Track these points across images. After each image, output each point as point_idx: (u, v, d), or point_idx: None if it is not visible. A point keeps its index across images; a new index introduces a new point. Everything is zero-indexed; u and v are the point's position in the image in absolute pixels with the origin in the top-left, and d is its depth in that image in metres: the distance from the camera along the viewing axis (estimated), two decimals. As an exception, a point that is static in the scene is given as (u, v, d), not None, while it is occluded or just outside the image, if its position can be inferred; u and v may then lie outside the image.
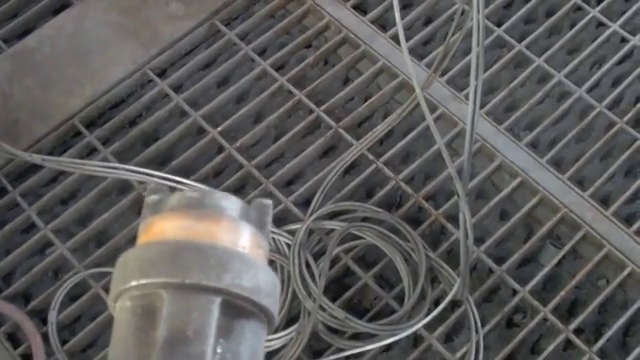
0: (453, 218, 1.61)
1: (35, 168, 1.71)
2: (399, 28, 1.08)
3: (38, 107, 1.79)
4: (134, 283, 0.61)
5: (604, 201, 1.68)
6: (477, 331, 1.52)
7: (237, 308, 0.62)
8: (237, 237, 0.64)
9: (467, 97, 1.74)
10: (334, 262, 1.60)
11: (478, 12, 1.13)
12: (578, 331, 1.56)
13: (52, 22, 1.92)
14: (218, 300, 0.60)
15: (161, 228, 0.64)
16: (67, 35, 1.89)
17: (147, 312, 0.60)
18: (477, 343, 1.51)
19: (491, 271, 1.61)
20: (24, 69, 1.84)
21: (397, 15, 1.10)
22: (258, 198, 0.70)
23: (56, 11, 1.96)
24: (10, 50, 1.88)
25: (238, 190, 1.71)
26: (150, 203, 0.67)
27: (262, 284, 0.62)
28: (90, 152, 1.76)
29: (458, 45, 1.81)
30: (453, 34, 1.56)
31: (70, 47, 1.87)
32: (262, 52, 1.89)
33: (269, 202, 0.69)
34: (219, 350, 0.60)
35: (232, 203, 0.66)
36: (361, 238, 1.61)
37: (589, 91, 1.80)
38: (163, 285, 0.60)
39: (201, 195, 0.65)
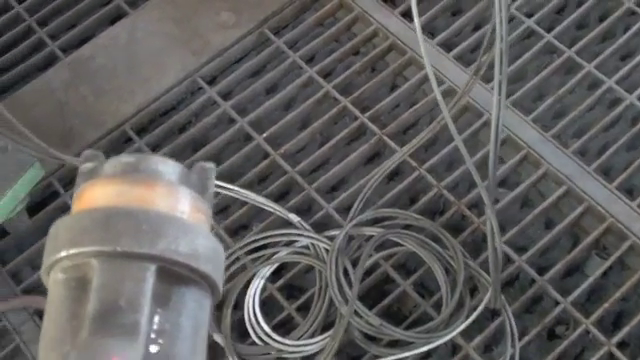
0: (496, 226, 1.59)
1: (85, 173, 1.76)
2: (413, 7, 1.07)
3: (91, 114, 1.84)
4: (64, 253, 0.57)
5: (653, 211, 1.64)
6: (513, 342, 1.50)
7: (175, 275, 0.58)
8: (174, 202, 0.60)
9: (513, 104, 1.74)
10: (373, 269, 1.60)
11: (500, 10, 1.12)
12: (622, 345, 1.52)
13: (107, 32, 1.97)
14: (153, 267, 0.57)
15: (93, 195, 0.60)
16: (121, 44, 1.94)
17: (80, 284, 0.57)
18: (512, 356, 1.48)
19: (533, 281, 1.58)
20: (79, 77, 1.90)
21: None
22: (200, 162, 0.66)
23: (113, 21, 2.02)
24: (67, 59, 1.94)
25: (282, 196, 1.73)
26: (84, 171, 0.63)
27: (201, 249, 0.59)
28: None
29: (507, 50, 1.80)
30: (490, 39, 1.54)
31: (123, 56, 1.92)
32: (310, 59, 1.91)
33: (211, 165, 0.65)
34: (157, 320, 0.57)
35: (169, 167, 0.62)
36: (401, 245, 1.61)
37: (641, 98, 1.76)
38: (94, 254, 0.57)
39: (136, 160, 0.62)
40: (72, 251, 0.57)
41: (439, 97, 1.15)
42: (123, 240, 0.56)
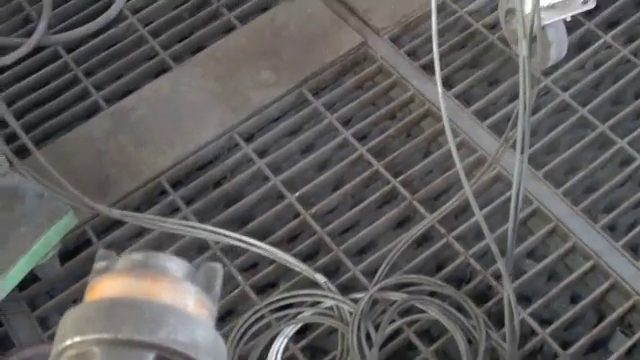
0: (521, 297, 1.60)
1: (119, 223, 1.80)
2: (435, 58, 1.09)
3: (129, 164, 1.89)
4: (69, 342, 0.60)
5: (680, 291, 1.63)
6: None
7: None
8: (178, 295, 0.63)
9: (545, 176, 1.75)
10: (396, 334, 1.61)
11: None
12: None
13: (151, 84, 2.03)
14: (151, 356, 0.59)
15: (102, 288, 0.64)
16: (163, 97, 1.99)
17: None
18: None
19: (556, 355, 1.58)
20: (120, 127, 1.95)
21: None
22: (207, 262, 0.69)
23: (157, 74, 2.07)
24: (110, 109, 1.99)
25: (310, 256, 1.75)
26: (97, 269, 0.66)
27: (201, 340, 0.61)
28: (174, 210, 1.83)
29: (541, 121, 1.82)
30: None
31: (165, 109, 1.97)
32: (347, 122, 1.94)
33: (218, 265, 0.68)
34: None
35: (176, 264, 0.65)
36: (425, 312, 1.62)
37: (672, 176, 1.76)
38: (97, 342, 0.59)
39: (145, 257, 0.65)
40: (76, 339, 0.60)
41: (460, 169, 1.17)
42: (124, 328, 0.59)
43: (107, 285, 0.64)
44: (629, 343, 1.58)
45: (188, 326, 0.61)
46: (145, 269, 0.64)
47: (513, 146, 1.63)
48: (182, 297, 0.63)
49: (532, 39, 1.32)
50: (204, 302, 0.65)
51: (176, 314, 0.61)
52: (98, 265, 0.67)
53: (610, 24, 2.00)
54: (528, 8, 1.40)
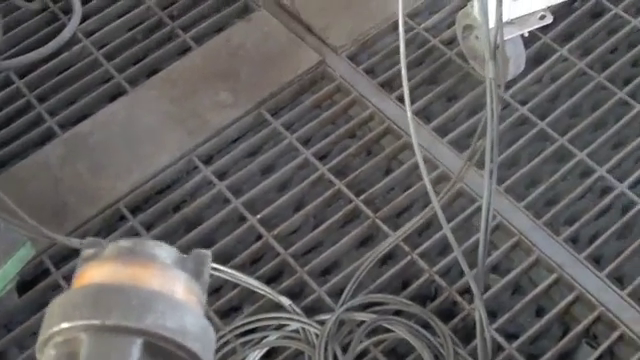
0: (487, 313, 1.59)
1: (79, 252, 1.76)
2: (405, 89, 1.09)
3: (86, 191, 1.85)
4: (56, 329, 0.59)
5: (644, 301, 1.64)
6: None
7: (162, 351, 0.59)
8: (166, 281, 0.62)
9: (506, 190, 1.75)
10: (363, 355, 1.60)
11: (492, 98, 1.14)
12: None
13: (106, 109, 2.00)
14: (139, 341, 0.58)
15: (90, 274, 0.63)
16: (119, 121, 1.96)
17: (70, 359, 0.59)
18: None
19: (524, 369, 1.58)
20: (76, 154, 1.92)
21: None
22: (197, 249, 0.68)
23: (112, 98, 2.04)
24: (65, 135, 1.96)
25: (274, 278, 1.73)
26: (85, 256, 0.66)
27: (189, 326, 0.60)
28: (134, 236, 1.80)
29: (501, 135, 1.82)
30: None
31: (121, 133, 1.94)
32: (306, 141, 1.93)
33: (207, 252, 0.68)
34: None
35: (165, 251, 0.65)
36: (391, 331, 1.61)
37: (632, 187, 1.78)
38: (84, 328, 0.58)
39: (133, 244, 0.65)
40: (63, 326, 0.59)
41: (428, 186, 1.17)
42: (112, 314, 0.58)
43: (95, 271, 0.63)
44: (595, 355, 1.58)
45: (176, 312, 0.60)
46: (133, 255, 0.63)
47: (477, 163, 1.64)
48: (170, 283, 0.62)
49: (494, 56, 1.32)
50: (193, 289, 0.64)
51: (164, 300, 0.60)
52: (86, 252, 0.66)
53: (566, 37, 2.02)
54: (490, 25, 1.41)
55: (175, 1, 2.22)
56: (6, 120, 2.02)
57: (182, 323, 0.60)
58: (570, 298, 1.64)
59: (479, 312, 1.29)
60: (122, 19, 2.19)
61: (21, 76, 2.10)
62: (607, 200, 1.76)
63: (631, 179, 1.78)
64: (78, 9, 2.19)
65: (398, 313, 1.64)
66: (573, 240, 1.73)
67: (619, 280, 1.67)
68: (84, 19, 2.19)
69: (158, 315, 0.59)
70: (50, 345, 0.60)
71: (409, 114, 1.19)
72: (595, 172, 1.80)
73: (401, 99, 1.95)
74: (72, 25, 2.16)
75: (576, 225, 1.73)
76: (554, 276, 1.67)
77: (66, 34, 2.15)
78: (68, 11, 2.20)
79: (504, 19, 1.71)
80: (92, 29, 2.18)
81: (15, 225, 1.58)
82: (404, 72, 1.16)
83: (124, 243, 0.65)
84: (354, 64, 2.02)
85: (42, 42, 2.15)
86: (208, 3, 2.20)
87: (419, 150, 1.18)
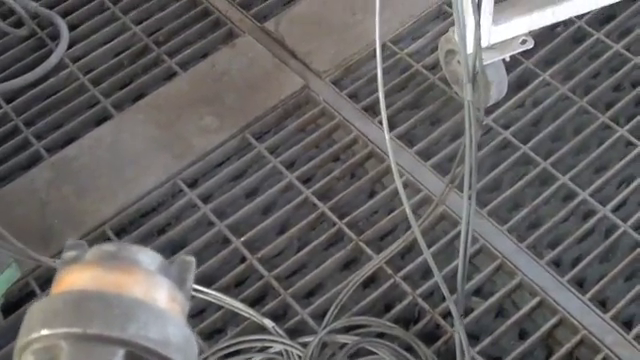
0: (469, 336, 1.60)
1: (62, 273, 1.76)
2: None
3: (72, 214, 1.86)
4: (35, 335, 0.57)
5: (627, 324, 1.64)
6: None
7: None
8: (149, 289, 0.60)
9: (489, 213, 1.76)
10: (346, 377, 1.60)
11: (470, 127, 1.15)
12: None
13: (93, 133, 2.01)
14: (121, 352, 0.56)
15: (70, 279, 0.61)
16: (105, 145, 1.97)
17: None
18: None
19: (507, 392, 1.58)
20: (62, 177, 1.92)
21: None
22: (181, 255, 0.66)
23: (98, 123, 2.05)
24: (51, 159, 1.97)
25: (258, 300, 1.73)
26: (66, 259, 0.64)
27: (172, 337, 0.58)
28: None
29: (483, 159, 1.84)
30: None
31: (107, 157, 1.95)
32: (290, 165, 1.94)
33: (191, 259, 0.65)
34: None
35: (148, 257, 0.63)
36: (374, 354, 1.61)
37: (615, 210, 1.79)
38: (64, 336, 0.57)
39: (116, 248, 0.62)
40: (43, 332, 0.57)
41: (408, 211, 1.18)
42: (93, 323, 0.56)
43: (76, 276, 0.61)
44: (578, 378, 1.59)
45: (159, 322, 0.58)
46: (116, 261, 0.61)
47: (458, 186, 1.65)
48: (154, 291, 0.60)
49: (474, 80, 1.34)
50: (176, 297, 0.62)
51: (147, 309, 0.58)
52: (67, 255, 0.64)
53: (548, 62, 2.04)
54: (470, 50, 1.43)
55: (161, 27, 2.25)
56: (-8, 145, 2.04)
57: (165, 334, 0.58)
58: (553, 321, 1.65)
59: (459, 335, 1.29)
60: (108, 45, 2.22)
61: (8, 101, 2.11)
62: (590, 223, 1.77)
63: (614, 202, 1.79)
64: (65, 35, 2.21)
65: (381, 336, 1.65)
66: (556, 263, 1.74)
67: (602, 303, 1.68)
68: (71, 45, 2.21)
69: (141, 325, 0.57)
70: (29, 351, 0.58)
71: (387, 137, 1.20)
72: (578, 195, 1.81)
73: (385, 123, 1.96)
74: (59, 51, 2.18)
75: (559, 248, 1.74)
76: (537, 299, 1.67)
77: (53, 60, 2.16)
78: (55, 37, 2.23)
79: (485, 44, 1.74)
80: (79, 55, 2.20)
81: (1, 247, 1.58)
82: (381, 95, 1.17)
83: (107, 247, 0.63)
84: (338, 89, 2.04)
85: (29, 68, 2.17)
86: (193, 29, 2.23)
87: (397, 174, 1.20)
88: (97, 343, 0.56)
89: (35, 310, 0.59)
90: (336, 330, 1.64)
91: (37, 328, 0.57)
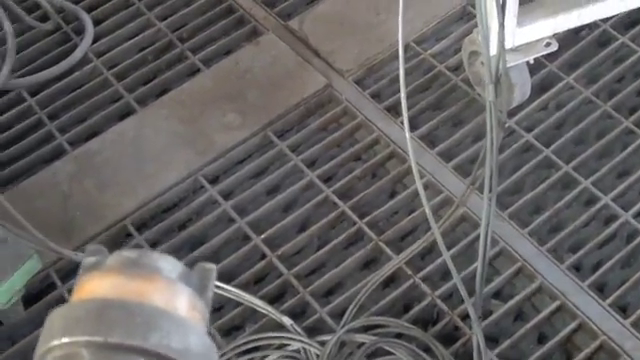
0: (488, 338, 1.59)
1: (83, 267, 1.77)
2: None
3: (93, 207, 1.87)
4: (56, 342, 0.57)
5: (646, 330, 1.64)
6: None
7: None
8: (171, 297, 0.60)
9: (510, 216, 1.76)
10: (363, 376, 1.60)
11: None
12: None
13: (116, 127, 2.02)
14: None
15: (92, 287, 0.61)
16: (128, 140, 1.98)
17: None
18: None
19: (524, 395, 1.58)
20: (84, 171, 1.94)
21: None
22: (201, 262, 0.66)
23: (122, 117, 2.06)
24: (74, 152, 1.98)
25: (277, 298, 1.73)
26: (87, 265, 0.64)
27: (193, 346, 0.58)
28: (139, 253, 1.81)
29: (505, 162, 1.83)
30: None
31: (129, 152, 1.96)
32: (312, 163, 1.94)
33: (212, 266, 0.65)
34: None
35: (169, 264, 0.62)
36: (392, 354, 1.61)
37: (637, 216, 1.78)
38: (85, 344, 0.56)
39: (137, 255, 0.62)
40: (64, 340, 0.57)
41: (428, 211, 1.18)
42: (115, 331, 0.56)
43: (97, 284, 0.61)
44: (596, 383, 1.58)
45: (181, 331, 0.58)
46: (137, 268, 0.61)
47: (479, 188, 1.65)
48: (175, 299, 0.60)
49: (497, 82, 1.33)
50: (197, 305, 0.62)
51: (169, 318, 0.58)
52: (87, 261, 0.64)
53: (572, 66, 2.03)
54: (493, 51, 1.42)
55: (185, 24, 2.25)
56: (17, 137, 2.05)
57: (186, 343, 0.58)
58: (572, 326, 1.64)
59: (477, 337, 1.29)
60: (133, 40, 2.23)
61: (33, 94, 2.12)
62: (611, 228, 1.76)
63: (636, 208, 1.78)
64: (90, 30, 2.22)
65: (399, 336, 1.65)
66: (577, 268, 1.73)
67: (622, 309, 1.67)
68: (96, 40, 2.22)
69: (163, 334, 0.57)
70: (49, 358, 0.58)
71: (408, 137, 1.20)
72: (600, 200, 1.80)
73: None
74: (84, 45, 2.19)
75: (580, 253, 1.73)
76: (557, 303, 1.67)
77: (78, 54, 2.18)
78: (80, 32, 2.24)
79: (509, 46, 1.73)
80: (103, 49, 2.21)
81: (23, 238, 1.59)
82: (403, 95, 1.17)
83: (128, 254, 0.63)
84: (360, 88, 2.04)
85: (54, 61, 2.18)
86: (217, 26, 2.23)
87: (418, 174, 1.19)
88: (118, 352, 0.56)
89: (56, 317, 0.59)
90: (354, 329, 1.64)
91: (58, 335, 0.57)
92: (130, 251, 0.63)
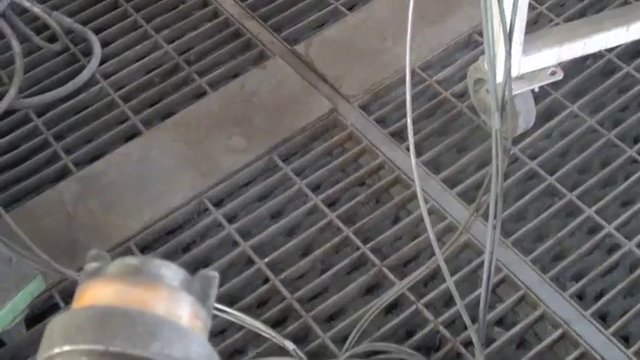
0: (490, 366, 1.60)
1: (87, 288, 1.78)
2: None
3: (98, 228, 1.87)
4: (57, 350, 0.57)
5: (649, 360, 1.64)
6: None
7: None
8: (173, 306, 0.60)
9: (514, 243, 1.76)
10: (365, 402, 1.60)
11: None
12: None
13: (121, 149, 2.03)
14: None
15: (93, 294, 0.61)
16: (133, 162, 1.99)
17: None
18: None
19: None
20: (89, 192, 1.94)
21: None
22: (203, 270, 0.66)
23: (128, 139, 2.07)
24: (79, 173, 1.99)
25: (279, 322, 1.73)
26: (88, 270, 0.64)
27: (195, 355, 0.58)
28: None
29: (509, 189, 1.84)
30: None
31: (134, 173, 1.97)
32: (316, 188, 1.94)
33: (214, 274, 0.66)
34: None
35: (172, 272, 0.63)
36: (394, 380, 1.61)
37: (639, 245, 1.78)
38: (86, 352, 0.56)
39: (139, 262, 0.62)
40: (65, 348, 0.57)
41: (432, 237, 1.18)
42: (116, 340, 0.56)
43: (99, 291, 0.61)
44: (599, 413, 1.57)
45: (182, 340, 0.58)
46: (139, 276, 0.61)
47: (484, 215, 1.65)
48: (177, 308, 0.60)
49: (503, 109, 1.34)
50: (199, 313, 0.62)
51: (170, 327, 0.58)
52: (89, 266, 0.64)
53: (576, 94, 2.04)
54: (499, 79, 1.43)
55: (192, 47, 2.27)
56: (23, 157, 2.06)
57: (188, 352, 0.58)
58: (575, 354, 1.64)
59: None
60: (140, 62, 2.24)
61: (39, 114, 2.13)
62: (615, 257, 1.76)
63: (639, 237, 1.79)
64: (98, 51, 2.24)
65: (401, 362, 1.65)
66: (579, 296, 1.73)
67: (625, 338, 1.67)
68: (103, 61, 2.24)
69: (164, 343, 0.57)
70: None
71: (414, 163, 1.21)
72: (603, 229, 1.80)
73: (412, 150, 1.97)
74: (91, 67, 2.20)
75: (583, 281, 1.73)
76: (559, 332, 1.67)
77: (85, 75, 2.19)
78: (88, 53, 2.25)
79: (514, 74, 1.74)
80: (110, 71, 2.23)
81: (28, 258, 1.59)
82: (409, 121, 1.18)
83: (130, 260, 0.63)
84: (366, 113, 2.05)
85: (61, 82, 2.19)
86: (224, 50, 2.25)
87: (423, 200, 1.20)
88: None
89: (57, 324, 0.59)
90: (357, 355, 1.64)
91: (59, 343, 0.57)
92: (132, 258, 0.64)
